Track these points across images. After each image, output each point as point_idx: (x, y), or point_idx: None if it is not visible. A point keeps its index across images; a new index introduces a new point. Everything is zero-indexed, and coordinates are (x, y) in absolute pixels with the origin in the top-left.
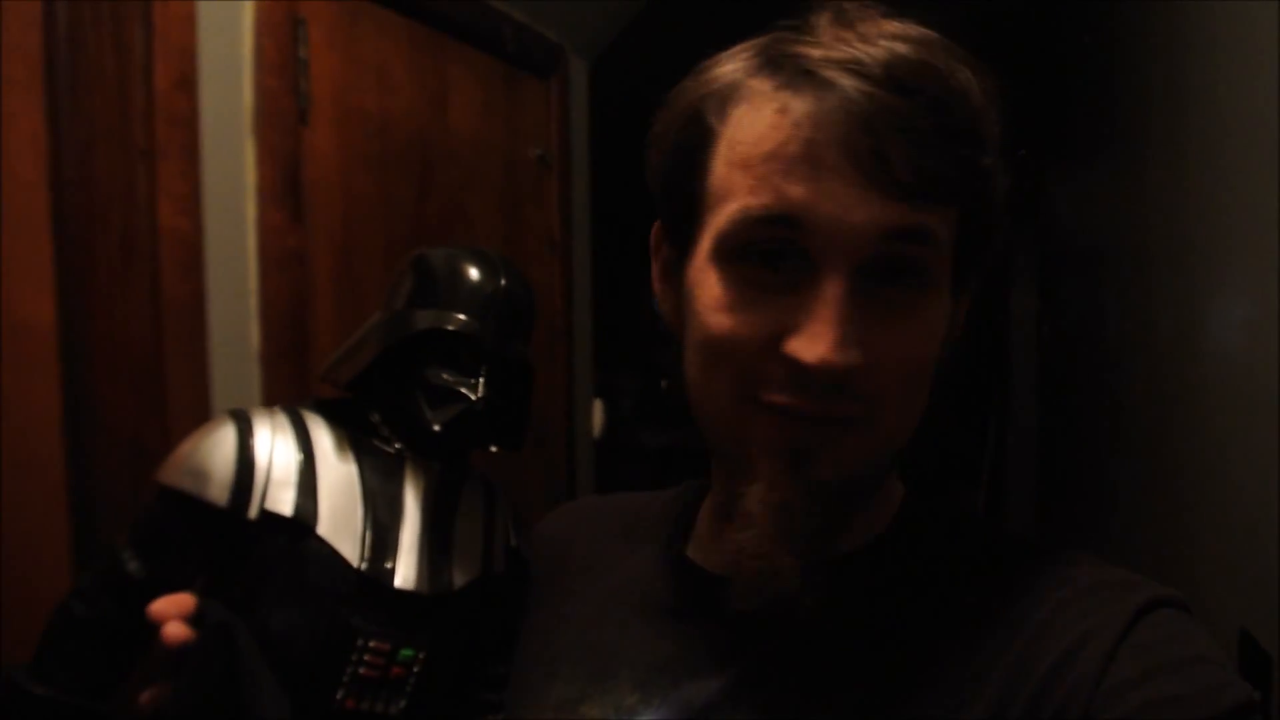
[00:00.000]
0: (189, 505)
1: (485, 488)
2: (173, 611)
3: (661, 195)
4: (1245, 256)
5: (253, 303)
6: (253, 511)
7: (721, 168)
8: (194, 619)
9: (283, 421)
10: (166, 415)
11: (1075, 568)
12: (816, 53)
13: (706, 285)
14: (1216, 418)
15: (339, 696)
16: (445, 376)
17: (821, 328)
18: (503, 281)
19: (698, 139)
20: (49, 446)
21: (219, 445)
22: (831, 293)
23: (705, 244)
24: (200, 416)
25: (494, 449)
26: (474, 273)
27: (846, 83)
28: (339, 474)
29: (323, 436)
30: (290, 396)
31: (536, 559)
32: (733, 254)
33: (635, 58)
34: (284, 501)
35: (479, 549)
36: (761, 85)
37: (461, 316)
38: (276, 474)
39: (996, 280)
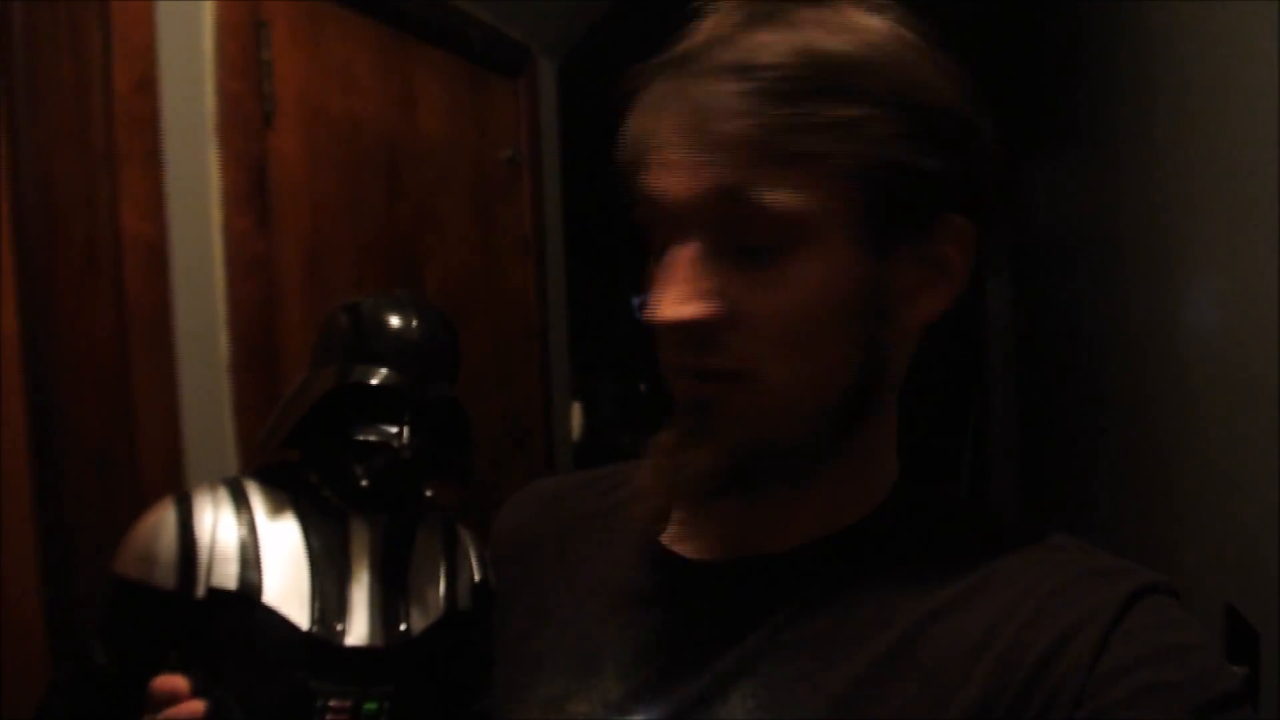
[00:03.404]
0: (140, 591)
1: (444, 526)
2: (170, 690)
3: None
4: (1217, 241)
5: (220, 309)
6: (200, 590)
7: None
8: (197, 694)
9: (223, 496)
10: (134, 424)
11: (1066, 554)
12: (673, 50)
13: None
14: (1197, 398)
15: None
16: (369, 430)
17: (663, 287)
18: (414, 324)
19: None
20: (14, 456)
21: (162, 530)
22: (674, 256)
23: None
24: (169, 425)
25: (429, 493)
26: (388, 320)
27: (682, 71)
28: (283, 541)
29: (264, 505)
30: (260, 404)
31: (502, 557)
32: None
33: (603, 57)
34: (229, 576)
35: (439, 590)
36: (649, 85)
37: (382, 369)
38: (219, 550)
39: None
